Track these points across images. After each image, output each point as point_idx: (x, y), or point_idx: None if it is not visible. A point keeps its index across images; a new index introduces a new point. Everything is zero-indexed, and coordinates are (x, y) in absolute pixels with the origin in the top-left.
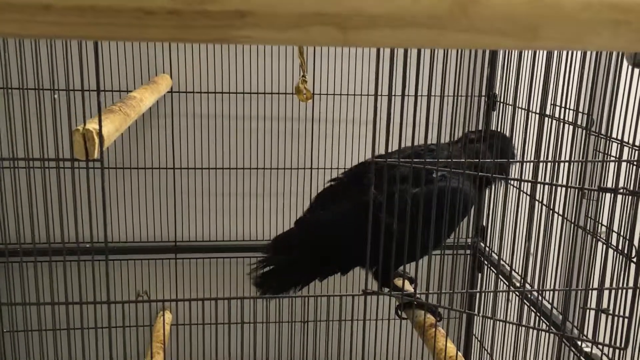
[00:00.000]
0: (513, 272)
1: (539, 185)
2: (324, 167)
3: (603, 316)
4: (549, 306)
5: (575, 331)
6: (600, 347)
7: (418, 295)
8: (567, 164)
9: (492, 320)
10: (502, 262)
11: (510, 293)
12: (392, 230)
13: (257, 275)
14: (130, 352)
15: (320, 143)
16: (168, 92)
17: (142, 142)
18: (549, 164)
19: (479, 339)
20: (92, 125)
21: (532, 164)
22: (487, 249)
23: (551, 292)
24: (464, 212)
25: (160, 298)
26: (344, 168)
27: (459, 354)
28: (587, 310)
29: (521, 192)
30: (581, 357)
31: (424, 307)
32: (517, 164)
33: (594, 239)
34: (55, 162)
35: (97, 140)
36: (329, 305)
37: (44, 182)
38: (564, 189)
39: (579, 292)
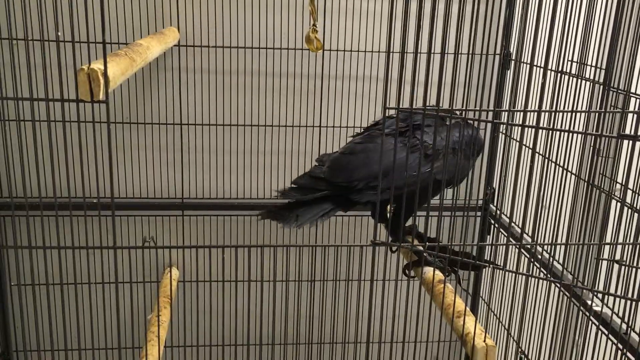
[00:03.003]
0: (524, 235)
1: (553, 145)
2: (333, 125)
3: (613, 278)
4: (560, 267)
5: (587, 284)
6: (611, 306)
7: (426, 253)
8: (584, 118)
9: (499, 283)
10: (512, 225)
11: (520, 253)
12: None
13: (277, 208)
14: (137, 307)
15: (330, 101)
16: (175, 45)
17: (148, 96)
18: (564, 120)
19: (486, 301)
20: (97, 66)
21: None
22: (497, 211)
23: (562, 252)
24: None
25: (167, 254)
26: (354, 127)
27: (467, 309)
28: (599, 266)
29: (536, 154)
30: (591, 317)
31: (433, 264)
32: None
33: (608, 197)
34: (60, 102)
35: (102, 81)
36: (336, 256)
37: (49, 130)
38: (577, 146)
39: (592, 247)
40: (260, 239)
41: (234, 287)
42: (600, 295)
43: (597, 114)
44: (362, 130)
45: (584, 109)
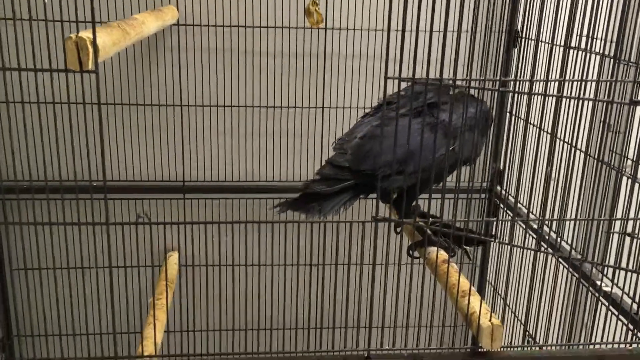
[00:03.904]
0: (530, 214)
1: (561, 120)
2: (337, 106)
3: (624, 257)
4: (567, 247)
5: (597, 260)
6: (621, 286)
7: (430, 232)
8: (594, 92)
9: (505, 262)
10: (519, 205)
11: (527, 232)
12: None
13: (294, 199)
14: (137, 291)
15: (332, 81)
16: (174, 24)
17: (148, 77)
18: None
19: (492, 284)
20: (86, 34)
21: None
22: (503, 192)
23: (570, 230)
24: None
25: (168, 237)
26: (357, 107)
27: (473, 289)
28: (610, 242)
29: (542, 132)
30: (600, 297)
31: (436, 243)
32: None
33: (619, 174)
34: (49, 72)
35: (91, 50)
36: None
37: (39, 111)
38: (586, 121)
39: (601, 223)
40: (269, 227)
41: (232, 271)
42: (610, 275)
43: (607, 85)
44: (371, 110)
45: (593, 83)
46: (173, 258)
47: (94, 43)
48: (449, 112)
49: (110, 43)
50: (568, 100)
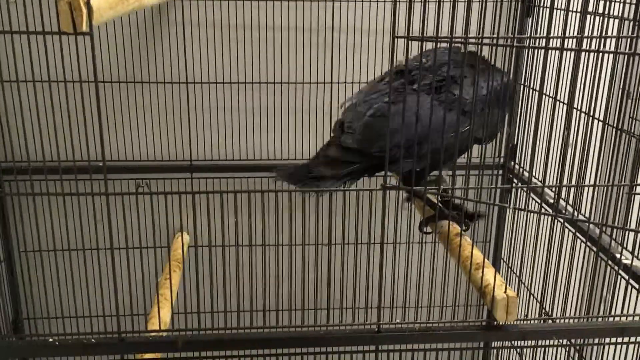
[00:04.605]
0: (546, 189)
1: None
2: (345, 81)
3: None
4: (586, 226)
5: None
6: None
7: (441, 205)
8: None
9: (521, 244)
10: (533, 179)
11: (541, 208)
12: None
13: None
14: (142, 273)
15: (340, 55)
16: None
17: (152, 54)
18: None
19: (507, 262)
20: None
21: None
22: (517, 166)
23: (586, 206)
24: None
25: (176, 217)
26: (367, 82)
27: (487, 261)
28: (631, 205)
29: (557, 102)
30: (620, 270)
31: (448, 217)
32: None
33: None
34: (42, 35)
35: (84, 10)
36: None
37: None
38: (605, 90)
39: (621, 189)
40: (273, 202)
41: (236, 251)
42: (629, 248)
43: (627, 46)
44: (380, 80)
45: (611, 49)
46: (181, 238)
47: (87, 3)
48: (468, 87)
49: (106, 5)
50: (585, 64)
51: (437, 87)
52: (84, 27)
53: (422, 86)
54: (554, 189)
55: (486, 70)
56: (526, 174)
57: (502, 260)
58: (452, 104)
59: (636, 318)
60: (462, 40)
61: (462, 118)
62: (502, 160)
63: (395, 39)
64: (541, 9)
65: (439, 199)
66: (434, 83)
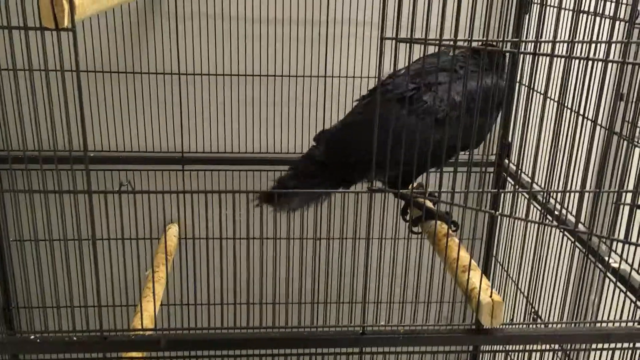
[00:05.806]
0: (535, 185)
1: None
2: (339, 75)
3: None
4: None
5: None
6: (630, 262)
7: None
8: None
9: (510, 241)
10: (524, 174)
11: (531, 205)
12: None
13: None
14: (126, 266)
15: (334, 49)
16: None
17: (144, 45)
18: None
19: (500, 262)
20: None
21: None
22: (510, 164)
23: (575, 203)
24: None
25: (167, 210)
26: (361, 77)
27: (473, 262)
28: (620, 213)
29: (556, 102)
30: (607, 273)
31: (435, 216)
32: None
33: (631, 145)
34: (24, 30)
35: (66, 5)
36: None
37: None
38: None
39: (610, 195)
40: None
41: (220, 244)
42: (618, 250)
43: (621, 50)
44: (367, 93)
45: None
46: (172, 230)
47: None
48: (443, 94)
49: (89, 0)
50: (576, 66)
51: (414, 96)
52: (66, 23)
53: (394, 94)
54: (543, 195)
55: (475, 75)
56: (525, 176)
57: (494, 258)
58: (424, 113)
59: (622, 324)
60: (452, 42)
61: (435, 126)
62: (494, 158)
63: (383, 40)
64: (538, 6)
65: (425, 201)
66: (407, 92)
